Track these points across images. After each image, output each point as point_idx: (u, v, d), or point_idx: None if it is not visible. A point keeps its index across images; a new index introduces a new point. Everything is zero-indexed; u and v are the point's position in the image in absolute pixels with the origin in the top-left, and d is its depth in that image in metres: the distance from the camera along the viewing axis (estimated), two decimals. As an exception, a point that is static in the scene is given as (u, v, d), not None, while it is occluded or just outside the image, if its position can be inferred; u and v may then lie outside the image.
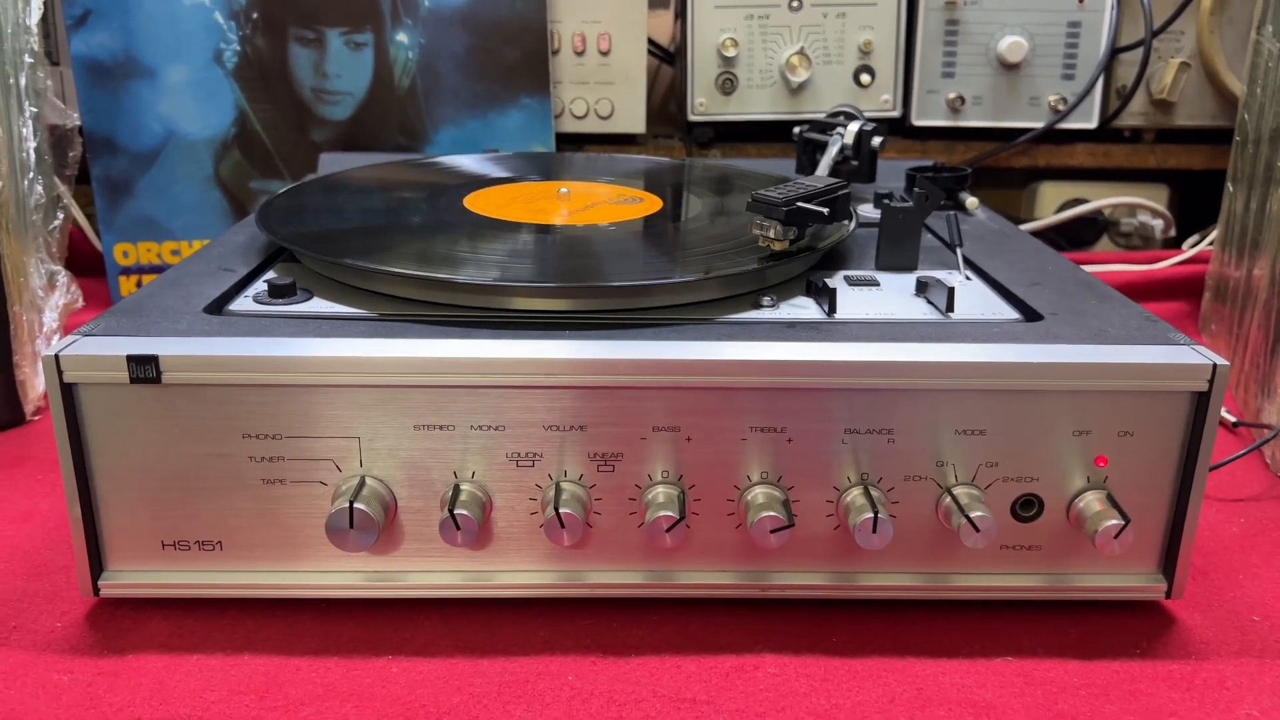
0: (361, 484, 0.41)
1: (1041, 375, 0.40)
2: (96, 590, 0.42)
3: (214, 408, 0.40)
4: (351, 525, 0.40)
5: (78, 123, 0.73)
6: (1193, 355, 0.41)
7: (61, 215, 0.67)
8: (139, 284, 0.83)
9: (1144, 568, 0.43)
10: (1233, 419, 0.63)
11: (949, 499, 0.41)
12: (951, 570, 0.43)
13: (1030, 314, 0.46)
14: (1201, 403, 0.41)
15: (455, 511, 0.40)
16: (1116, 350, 0.41)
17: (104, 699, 0.37)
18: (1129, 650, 0.42)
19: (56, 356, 0.39)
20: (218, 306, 0.45)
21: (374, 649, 0.41)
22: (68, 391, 0.40)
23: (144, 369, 0.39)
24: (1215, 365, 0.40)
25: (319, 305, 0.45)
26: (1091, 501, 0.41)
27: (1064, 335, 0.43)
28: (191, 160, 0.81)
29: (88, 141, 0.78)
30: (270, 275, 0.49)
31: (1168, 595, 0.43)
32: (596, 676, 0.39)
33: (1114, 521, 0.40)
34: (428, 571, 0.43)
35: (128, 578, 0.42)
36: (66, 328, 0.65)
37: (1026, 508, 0.42)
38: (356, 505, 0.39)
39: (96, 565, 0.42)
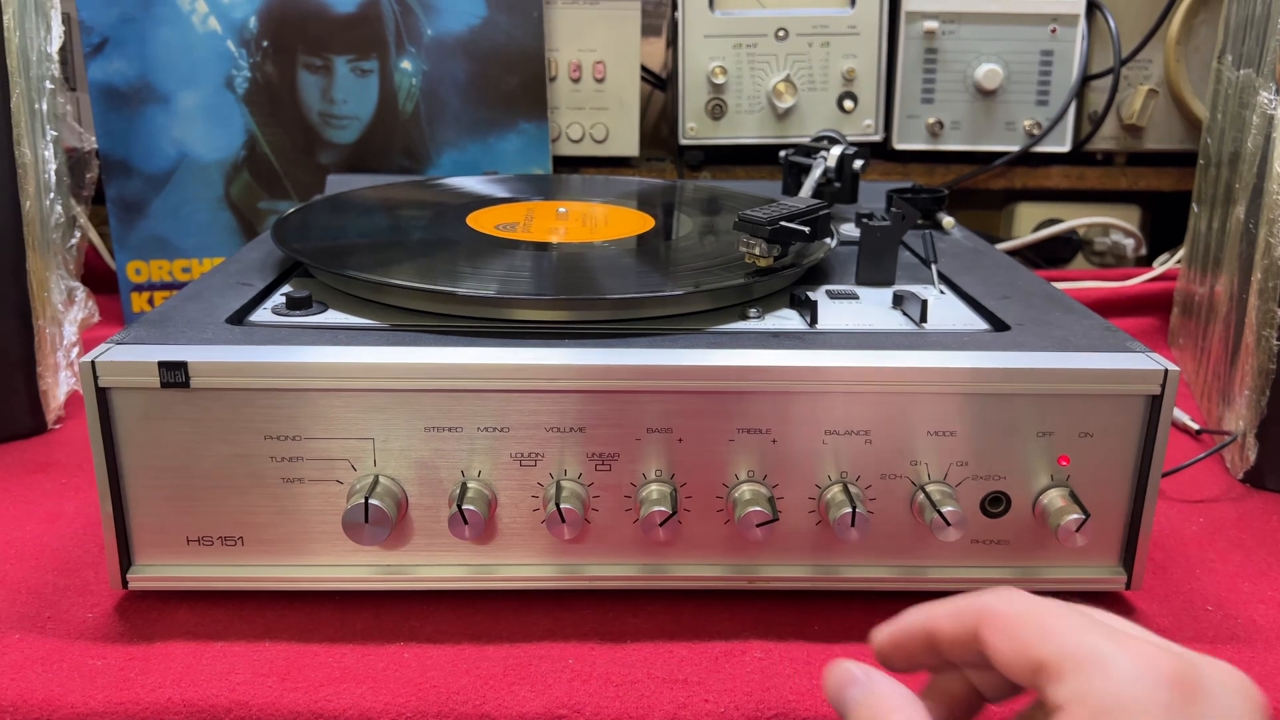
0: (375, 482, 0.43)
1: (1008, 380, 0.43)
2: (125, 583, 0.44)
3: (237, 411, 0.43)
4: (366, 520, 0.42)
5: (94, 146, 0.76)
6: (1146, 361, 0.44)
7: (78, 234, 0.70)
8: (150, 300, 0.86)
9: (1105, 560, 0.46)
10: (1196, 426, 0.66)
11: (922, 496, 0.44)
12: (925, 563, 0.46)
13: (999, 324, 0.49)
14: (1155, 405, 0.44)
15: (463, 507, 0.43)
16: (1077, 357, 0.44)
17: (136, 681, 0.40)
18: (1090, 636, 0.45)
19: (93, 363, 0.42)
20: (239, 318, 0.48)
21: (387, 636, 0.44)
22: (102, 395, 0.42)
23: (174, 374, 0.42)
24: (1167, 370, 0.43)
25: (333, 316, 0.48)
26: (1055, 498, 0.44)
27: (1029, 344, 0.46)
28: (203, 181, 0.84)
29: (103, 163, 0.81)
30: (287, 289, 0.52)
31: (1128, 586, 0.46)
32: (595, 660, 0.42)
33: (1075, 516, 0.43)
34: (436, 565, 0.45)
35: (155, 571, 0.45)
36: (84, 341, 0.68)
37: (995, 504, 0.45)
38: (371, 501, 0.42)
39: (125, 559, 0.45)
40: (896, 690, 0.32)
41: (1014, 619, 0.31)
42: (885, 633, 0.34)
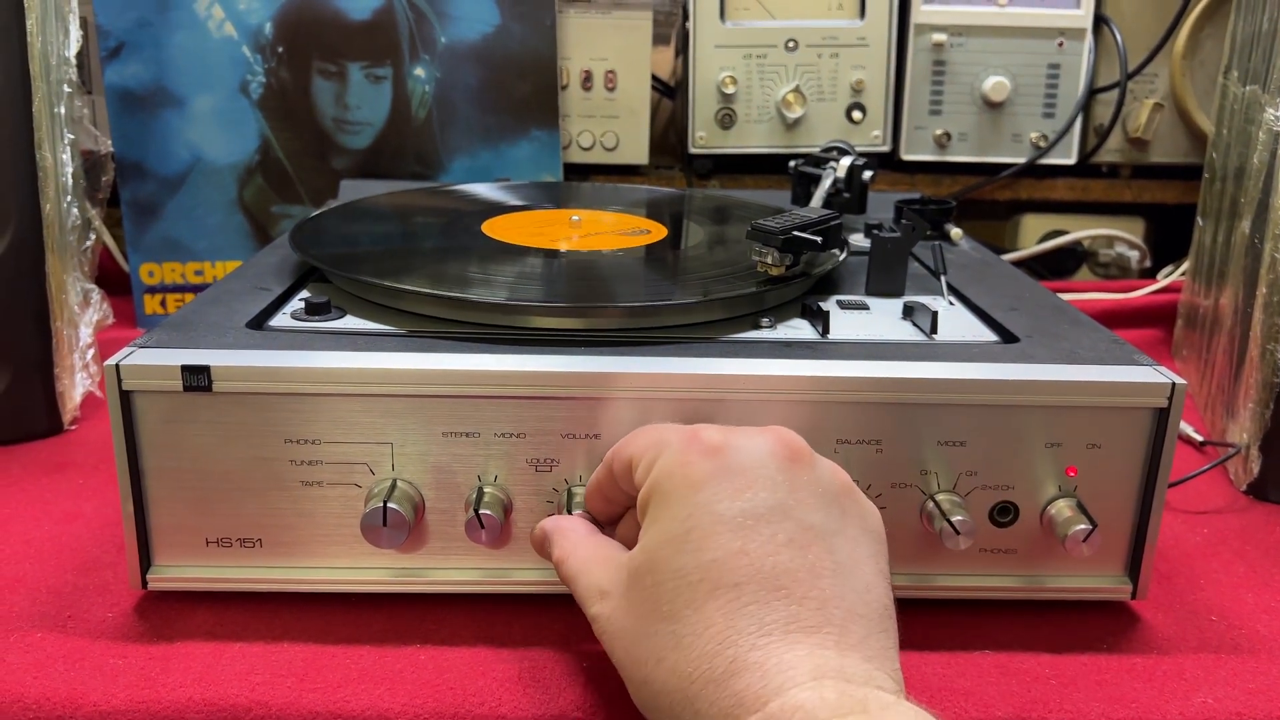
0: (393, 486, 0.44)
1: (1017, 392, 0.44)
2: (145, 583, 0.45)
3: (258, 414, 0.43)
4: (385, 523, 0.43)
5: (110, 149, 0.77)
6: (1154, 375, 0.45)
7: (93, 236, 0.71)
8: (163, 303, 0.86)
9: (1111, 570, 0.47)
10: (1200, 438, 0.66)
11: (932, 505, 0.44)
12: (934, 571, 0.47)
13: (1008, 336, 0.50)
14: (1162, 418, 0.44)
15: (480, 512, 0.43)
16: (1085, 370, 0.45)
17: (158, 680, 0.41)
18: (1096, 645, 0.45)
19: (117, 366, 0.42)
20: (259, 322, 0.48)
21: (403, 639, 0.44)
22: (125, 398, 0.43)
23: (197, 378, 0.43)
24: (1174, 384, 0.44)
25: (352, 322, 0.49)
26: (1063, 508, 0.45)
27: (1038, 356, 0.47)
28: (216, 185, 0.85)
29: (118, 166, 0.82)
30: (305, 294, 0.52)
31: (1133, 596, 0.47)
32: (610, 664, 0.43)
33: (1083, 526, 0.44)
34: (452, 568, 0.46)
35: (174, 572, 0.45)
36: (99, 343, 0.69)
37: (1003, 514, 0.46)
38: (389, 505, 0.43)
39: (145, 560, 0.45)
40: (571, 518, 0.42)
41: (623, 444, 0.40)
42: (586, 488, 0.43)
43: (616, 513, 0.42)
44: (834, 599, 0.33)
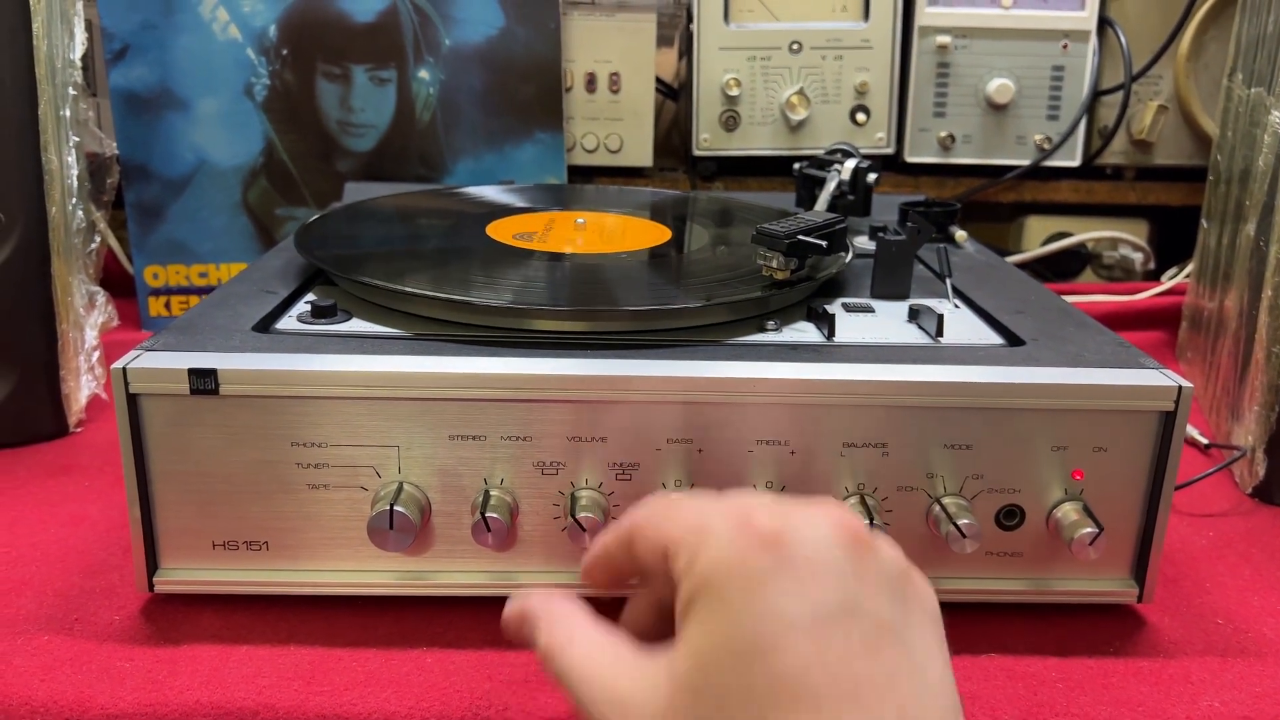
0: (400, 489, 0.44)
1: (1023, 395, 0.44)
2: (151, 586, 0.45)
3: (265, 417, 0.44)
4: (391, 527, 0.43)
5: (114, 151, 0.77)
6: (1160, 378, 0.45)
7: (98, 239, 0.71)
8: (167, 305, 0.86)
9: (1117, 573, 0.47)
10: (1205, 441, 0.66)
11: (938, 508, 0.45)
12: (940, 574, 0.46)
13: (1013, 339, 0.50)
14: (1168, 421, 0.44)
15: (486, 515, 0.43)
16: (1091, 373, 0.45)
17: (164, 683, 0.41)
18: (1103, 649, 0.45)
19: (124, 369, 0.42)
20: (265, 325, 0.49)
21: (409, 641, 0.44)
22: (132, 401, 0.43)
23: (204, 381, 0.43)
24: (1180, 387, 0.44)
25: (358, 325, 0.49)
26: (1069, 511, 0.45)
27: (1044, 359, 0.47)
28: (221, 187, 0.85)
29: (123, 169, 0.82)
30: (311, 297, 0.52)
31: (1139, 599, 0.47)
32: (615, 667, 0.43)
33: (1089, 530, 0.44)
34: (458, 571, 0.46)
35: (180, 575, 0.45)
36: (104, 345, 0.69)
37: (1009, 517, 0.46)
38: (396, 508, 0.43)
39: (152, 563, 0.45)
40: (566, 600, 0.35)
41: (648, 519, 0.33)
42: (588, 555, 0.36)
43: (620, 591, 0.37)
44: (911, 703, 0.29)
